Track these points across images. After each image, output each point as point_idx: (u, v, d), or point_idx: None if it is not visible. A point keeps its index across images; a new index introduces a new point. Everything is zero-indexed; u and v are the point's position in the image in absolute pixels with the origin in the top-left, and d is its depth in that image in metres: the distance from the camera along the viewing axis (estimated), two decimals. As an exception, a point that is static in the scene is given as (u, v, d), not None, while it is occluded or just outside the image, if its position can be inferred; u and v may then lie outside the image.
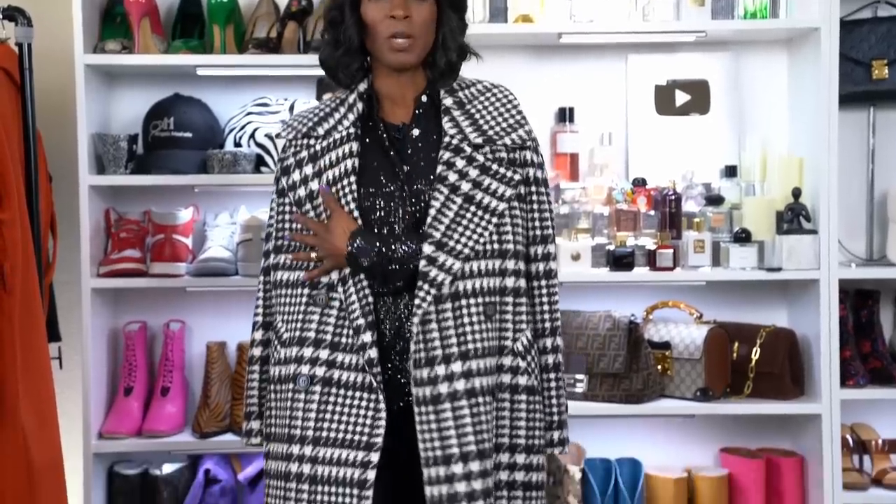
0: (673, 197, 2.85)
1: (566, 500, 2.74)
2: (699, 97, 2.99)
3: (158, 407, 2.78)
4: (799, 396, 2.82)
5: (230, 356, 2.90)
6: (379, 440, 1.88)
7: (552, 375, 2.06)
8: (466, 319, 1.94)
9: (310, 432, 1.92)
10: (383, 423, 1.89)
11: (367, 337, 1.90)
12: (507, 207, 1.97)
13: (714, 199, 2.88)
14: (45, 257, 2.52)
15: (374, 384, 1.90)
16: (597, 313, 2.83)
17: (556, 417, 2.07)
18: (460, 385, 1.91)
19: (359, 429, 1.90)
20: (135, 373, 2.81)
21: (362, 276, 1.93)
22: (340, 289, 1.93)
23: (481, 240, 1.94)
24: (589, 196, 2.90)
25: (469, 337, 1.94)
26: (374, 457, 1.88)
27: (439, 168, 1.95)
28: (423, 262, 1.90)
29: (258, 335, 2.08)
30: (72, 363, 2.69)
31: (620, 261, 2.80)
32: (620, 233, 2.85)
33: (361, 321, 1.91)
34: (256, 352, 2.08)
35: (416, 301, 1.90)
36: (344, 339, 1.93)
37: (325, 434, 1.91)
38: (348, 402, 1.91)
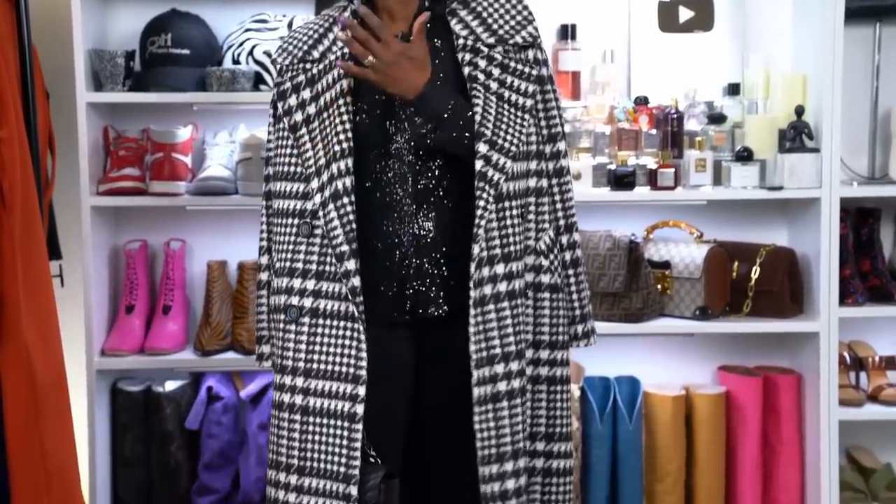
0: (675, 115, 2.83)
1: (565, 416, 2.77)
2: (703, 14, 2.95)
3: (160, 325, 2.80)
4: (798, 315, 2.83)
5: (231, 275, 2.91)
6: (363, 373, 1.89)
7: (571, 271, 2.08)
8: (509, 221, 1.95)
9: (301, 364, 1.93)
10: (365, 354, 1.90)
11: (350, 265, 1.90)
12: (532, 105, 1.96)
13: (716, 118, 2.85)
14: (43, 175, 2.50)
15: (357, 313, 1.90)
16: (597, 233, 2.83)
17: (578, 311, 2.10)
18: (503, 287, 1.93)
19: (345, 360, 1.91)
20: (136, 291, 2.82)
21: (345, 200, 1.91)
22: (321, 213, 1.92)
23: (521, 138, 1.94)
24: (590, 115, 2.88)
25: (511, 239, 1.95)
26: (361, 390, 1.89)
27: (466, 70, 1.93)
28: (480, 163, 1.89)
29: (264, 260, 2.08)
30: (73, 281, 2.70)
31: (621, 180, 2.78)
32: (622, 152, 2.83)
33: (345, 248, 1.89)
34: (263, 276, 2.09)
35: (479, 202, 1.88)
36: (328, 268, 1.92)
37: (315, 366, 1.92)
38: (334, 332, 1.92)
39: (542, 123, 2.01)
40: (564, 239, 2.06)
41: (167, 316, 2.81)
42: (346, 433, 1.89)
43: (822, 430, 2.73)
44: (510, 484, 1.92)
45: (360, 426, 1.88)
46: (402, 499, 2.07)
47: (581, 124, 2.84)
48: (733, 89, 2.89)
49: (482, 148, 1.89)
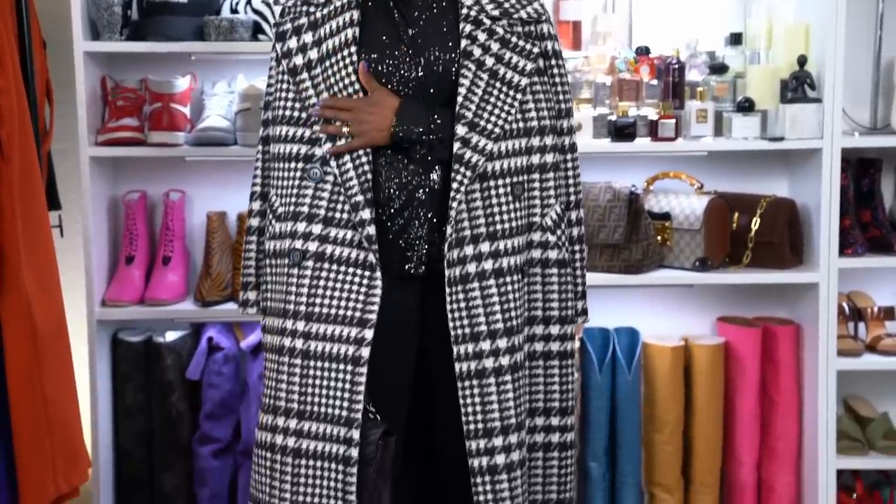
0: (676, 66, 2.81)
1: (564, 367, 2.77)
2: (705, -38, 2.92)
3: (160, 276, 2.80)
4: (797, 266, 2.83)
5: (230, 226, 2.91)
6: (373, 317, 1.89)
7: (577, 247, 2.10)
8: (495, 200, 1.94)
9: (302, 307, 1.92)
10: (378, 300, 1.90)
11: (365, 214, 1.90)
12: (529, 83, 1.95)
13: (718, 68, 2.83)
14: (41, 125, 2.49)
15: (374, 261, 1.90)
16: (597, 184, 2.82)
17: (580, 288, 2.12)
18: (488, 265, 1.93)
19: (352, 304, 1.91)
20: (136, 242, 2.82)
21: (360, 151, 1.91)
22: (334, 163, 1.91)
23: (509, 118, 1.94)
24: (591, 65, 2.86)
25: (497, 217, 1.95)
26: (368, 333, 1.89)
27: (463, 42, 1.92)
28: (457, 145, 1.89)
29: (256, 205, 2.07)
30: (72, 231, 2.70)
31: (622, 131, 2.77)
32: (622, 103, 2.82)
33: (360, 198, 1.89)
34: (254, 222, 2.08)
35: (454, 184, 1.89)
36: (338, 215, 1.92)
37: (317, 310, 1.92)
38: (341, 277, 1.91)
39: (559, 98, 2.01)
40: (573, 215, 2.07)
41: (167, 267, 2.82)
42: (349, 377, 1.89)
43: (821, 380, 2.74)
44: (500, 459, 1.93)
45: (363, 370, 1.88)
46: (406, 461, 2.09)
47: (581, 75, 2.82)
48: (735, 39, 2.86)
49: (460, 130, 1.90)
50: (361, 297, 1.90)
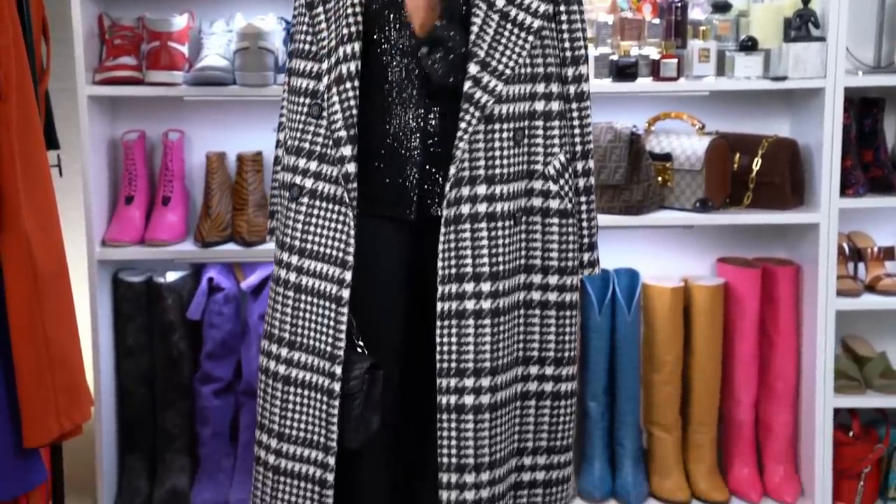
0: (679, 4, 2.78)
1: (564, 308, 2.78)
2: None
3: (160, 216, 2.80)
4: (798, 206, 2.83)
5: (230, 166, 2.90)
6: (350, 258, 1.90)
7: (584, 198, 2.07)
8: (497, 144, 1.93)
9: (297, 242, 1.94)
10: (353, 240, 1.90)
11: (346, 150, 1.88)
12: (541, 26, 1.92)
13: (721, 6, 2.80)
14: (38, 63, 2.47)
15: (348, 199, 1.90)
16: (598, 125, 2.81)
17: (586, 240, 2.09)
18: (482, 207, 1.92)
19: (335, 244, 1.92)
20: (135, 182, 2.82)
21: (348, 85, 1.89)
22: (326, 96, 1.90)
23: (519, 60, 1.91)
24: (592, 4, 2.83)
25: (497, 161, 1.94)
26: (348, 275, 1.89)
27: None
28: (468, 84, 1.87)
29: (281, 136, 2.08)
30: (71, 171, 2.69)
31: (623, 71, 2.75)
32: (624, 42, 2.79)
33: (342, 133, 1.88)
34: (279, 152, 2.09)
35: (462, 124, 1.87)
36: (329, 151, 1.92)
37: (309, 246, 1.93)
38: (328, 214, 1.93)
39: (565, 45, 1.97)
40: (580, 165, 2.04)
41: (167, 207, 2.81)
42: (333, 314, 1.92)
43: (819, 321, 2.75)
44: (468, 399, 1.92)
45: (345, 310, 1.90)
46: (404, 401, 2.09)
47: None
48: (739, -23, 2.84)
49: (472, 69, 1.87)
50: (343, 237, 1.91)
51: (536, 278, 2.01)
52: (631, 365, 2.85)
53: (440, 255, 1.91)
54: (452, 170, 1.89)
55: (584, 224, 2.09)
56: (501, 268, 1.95)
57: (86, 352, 2.59)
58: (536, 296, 2.01)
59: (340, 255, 1.91)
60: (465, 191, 1.91)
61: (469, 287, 1.92)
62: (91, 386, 2.63)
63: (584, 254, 2.09)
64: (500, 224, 1.94)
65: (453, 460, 1.94)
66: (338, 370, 1.92)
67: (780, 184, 2.78)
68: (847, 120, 2.78)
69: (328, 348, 1.92)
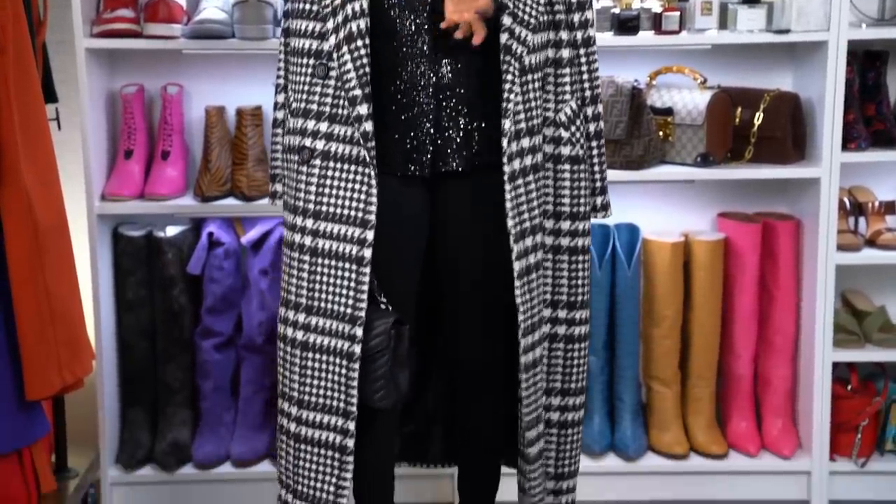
0: (681, -44, 2.76)
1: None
2: None
3: (159, 170, 2.79)
4: (799, 161, 2.82)
5: (229, 121, 2.88)
6: (372, 217, 1.90)
7: (594, 143, 2.09)
8: (531, 94, 1.95)
9: (311, 206, 1.94)
10: (374, 199, 1.90)
11: (362, 109, 1.88)
12: None
13: (724, -42, 2.78)
14: (35, 15, 2.45)
15: (368, 158, 1.89)
16: (599, 79, 2.79)
17: (598, 184, 2.12)
18: (528, 160, 1.95)
19: (354, 204, 1.91)
20: (134, 136, 2.80)
21: (359, 43, 1.88)
22: (335, 55, 1.89)
23: (540, 9, 1.93)
24: (594, -45, 2.81)
25: (533, 112, 1.96)
26: (370, 235, 1.90)
27: None
28: (504, 36, 1.88)
29: (280, 98, 2.07)
30: (70, 125, 2.68)
31: (625, 24, 2.73)
32: (626, -6, 2.77)
33: (357, 92, 1.88)
34: (279, 115, 2.08)
35: (507, 76, 1.88)
36: (341, 111, 1.91)
37: (324, 209, 1.92)
38: (345, 175, 1.92)
39: None
40: (589, 110, 2.06)
41: (166, 161, 2.80)
42: (353, 275, 1.91)
43: (819, 275, 2.76)
44: (539, 351, 2.02)
45: (367, 269, 1.91)
46: (416, 354, 2.13)
47: (585, -35, 2.77)
48: (742, -72, 2.80)
49: (506, 21, 1.88)
50: (363, 197, 1.91)
51: (549, 223, 2.04)
52: (630, 320, 2.85)
53: (509, 214, 1.93)
54: (507, 124, 1.91)
55: (596, 168, 2.10)
56: (538, 220, 2.00)
57: (86, 306, 2.60)
58: (549, 241, 2.05)
59: (361, 214, 1.90)
60: (525, 142, 1.94)
61: (529, 241, 1.98)
62: (92, 340, 2.64)
63: (596, 198, 2.11)
64: (540, 174, 1.98)
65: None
66: (359, 332, 1.92)
67: (782, 138, 2.77)
68: (850, 73, 2.76)
69: (348, 310, 1.92)
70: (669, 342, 2.87)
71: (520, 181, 1.94)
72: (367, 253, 1.90)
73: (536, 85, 1.96)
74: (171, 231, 2.80)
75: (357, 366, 1.92)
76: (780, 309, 2.85)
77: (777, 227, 2.84)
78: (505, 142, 1.91)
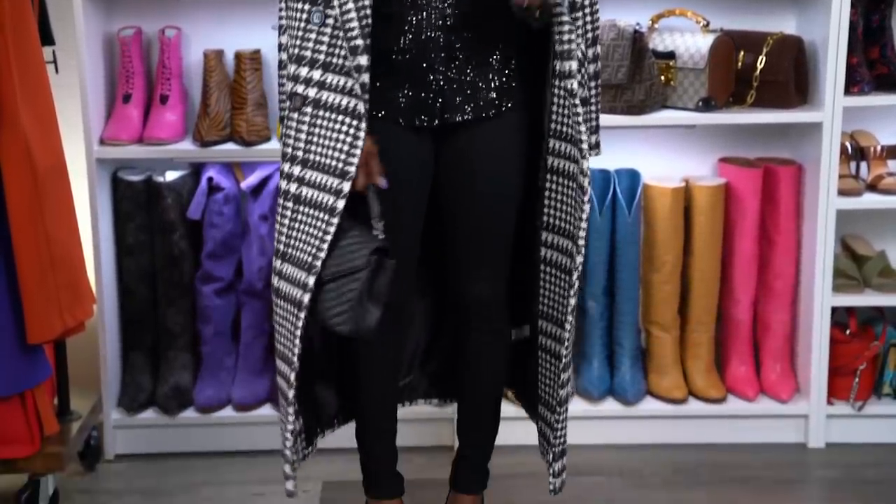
0: None
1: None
2: None
3: (158, 114, 2.77)
4: (802, 105, 2.80)
5: (228, 65, 2.86)
6: (352, 169, 1.88)
7: (594, 83, 2.10)
8: (567, 37, 1.95)
9: (299, 153, 1.94)
10: (359, 151, 1.88)
11: (362, 60, 1.86)
12: None
13: None
14: (30, -44, 2.43)
15: (361, 111, 1.88)
16: (601, 23, 2.76)
17: (593, 123, 2.14)
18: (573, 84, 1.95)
19: (336, 154, 1.90)
20: (132, 80, 2.78)
21: None
22: (337, 3, 1.87)
23: None
24: None
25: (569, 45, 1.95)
26: (346, 186, 1.88)
27: None
28: None
29: (283, 39, 2.05)
30: (68, 69, 2.66)
31: (627, -34, 2.71)
32: (628, -65, 2.74)
33: (359, 42, 1.86)
34: (283, 56, 2.07)
35: (560, 18, 1.90)
36: (336, 60, 1.89)
37: (311, 157, 1.92)
38: (333, 125, 1.91)
39: None
40: (591, 52, 2.06)
41: (165, 106, 2.79)
42: (322, 224, 1.90)
43: (820, 220, 2.75)
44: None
45: (336, 220, 1.88)
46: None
47: None
48: None
49: None
50: (346, 148, 1.89)
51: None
52: (631, 265, 2.85)
53: (569, 122, 1.95)
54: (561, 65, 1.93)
55: (593, 108, 2.13)
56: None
57: (86, 251, 2.60)
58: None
59: (341, 165, 1.89)
60: (574, 65, 1.93)
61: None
62: (92, 284, 2.65)
63: (592, 136, 2.13)
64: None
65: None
66: (310, 281, 1.89)
67: (785, 82, 2.75)
68: (854, 16, 2.73)
69: (308, 258, 1.91)
70: (669, 287, 2.87)
71: (577, 100, 1.95)
72: (340, 204, 1.88)
73: (572, 27, 1.95)
74: (171, 176, 2.80)
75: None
76: (780, 254, 2.85)
77: (778, 172, 2.83)
78: (556, 65, 1.93)
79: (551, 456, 2.14)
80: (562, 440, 2.13)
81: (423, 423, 2.80)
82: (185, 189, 2.80)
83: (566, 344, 2.04)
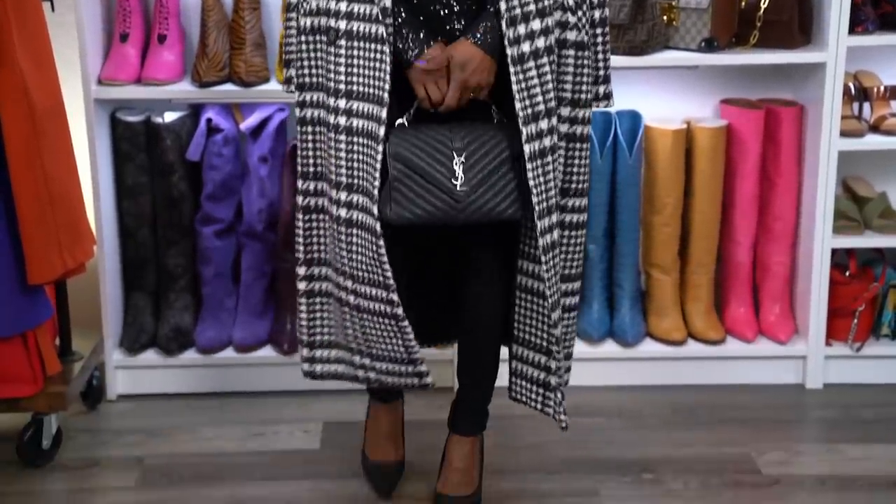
0: None
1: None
2: None
3: (156, 55, 2.75)
4: (805, 45, 2.78)
5: (226, 4, 2.83)
6: (385, 95, 1.93)
7: (599, 30, 2.08)
8: None
9: (342, 86, 1.98)
10: (388, 76, 1.93)
11: None
12: None
13: None
14: None
15: (385, 35, 1.92)
16: (603, -40, 2.73)
17: (601, 72, 2.12)
18: (541, 43, 1.94)
19: (372, 82, 1.95)
20: (129, 19, 2.76)
21: None
22: None
23: None
24: None
25: None
26: (383, 112, 1.94)
27: None
28: None
29: None
30: (64, 6, 2.63)
31: None
32: None
33: None
34: None
35: None
36: None
37: (354, 88, 1.97)
38: (367, 54, 1.95)
39: None
40: None
41: (163, 45, 2.76)
42: (372, 152, 1.97)
43: (821, 161, 2.74)
44: (556, 234, 2.04)
45: (380, 147, 1.96)
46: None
47: None
48: None
49: None
50: (380, 74, 1.95)
51: None
52: (631, 207, 2.85)
53: (517, 97, 1.95)
54: (503, 6, 1.92)
55: (600, 56, 2.10)
56: (554, 103, 2.00)
57: (86, 192, 2.60)
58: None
59: (377, 91, 1.95)
60: (521, 29, 1.92)
61: (544, 124, 1.98)
62: (93, 225, 2.65)
63: (598, 86, 2.11)
64: (553, 58, 1.97)
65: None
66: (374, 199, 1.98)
67: (788, 22, 2.72)
68: (858, -46, 2.70)
69: (368, 186, 1.99)
70: (670, 229, 2.87)
71: (531, 63, 1.94)
72: (381, 131, 1.95)
73: None
74: (170, 117, 2.78)
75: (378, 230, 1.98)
76: (781, 196, 2.85)
77: (780, 113, 2.82)
78: (504, 25, 1.92)
79: (554, 398, 2.16)
80: (564, 379, 2.18)
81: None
82: (183, 130, 2.79)
83: (548, 283, 2.04)
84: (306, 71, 2.06)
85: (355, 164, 1.99)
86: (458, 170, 1.97)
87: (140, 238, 2.82)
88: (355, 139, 1.98)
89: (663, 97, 2.95)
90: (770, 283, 2.90)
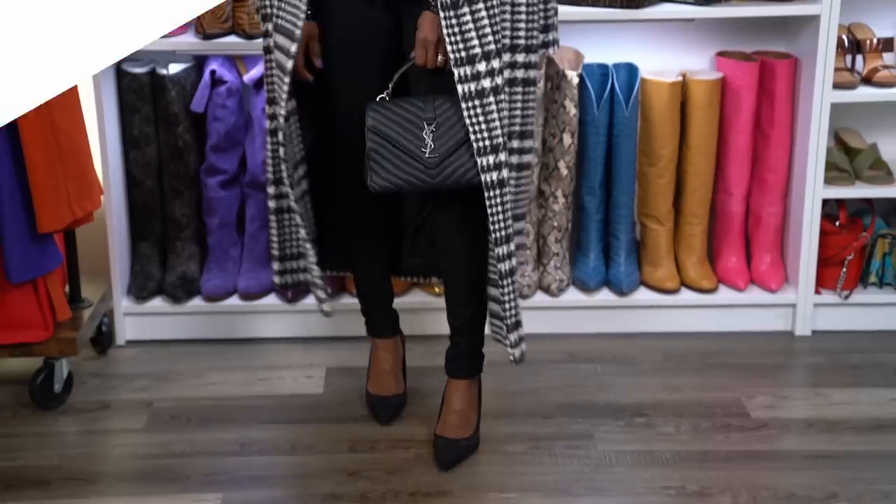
0: None
1: (563, 104, 2.81)
2: None
3: (160, 6, 2.78)
4: (800, -3, 2.81)
5: (228, -43, 2.86)
6: (297, 31, 2.16)
7: None
8: None
9: (276, 20, 2.21)
10: (303, 14, 2.14)
11: None
12: None
13: None
14: None
15: None
16: (601, -87, 2.75)
17: (551, 21, 2.21)
18: None
19: (291, 19, 2.17)
20: (133, -29, 2.79)
21: None
22: None
23: None
24: None
25: None
26: (294, 47, 2.17)
27: None
28: None
29: None
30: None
31: None
32: None
33: None
34: None
35: None
36: None
37: (279, 22, 2.19)
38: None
39: None
40: None
41: (166, -2, 2.79)
42: (284, 84, 2.22)
43: (814, 113, 2.78)
44: (505, 173, 2.09)
45: (288, 79, 2.20)
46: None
47: None
48: None
49: None
50: (296, 11, 2.15)
51: (506, 57, 2.11)
52: (627, 159, 2.90)
53: (447, 40, 2.02)
54: None
55: (550, 6, 2.21)
56: (500, 45, 2.05)
57: (93, 143, 2.64)
58: (506, 74, 2.11)
59: (291, 27, 2.15)
60: None
61: (482, 66, 2.02)
62: (100, 175, 2.70)
63: (547, 34, 2.22)
64: (489, 3, 2.02)
65: None
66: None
67: (783, -26, 2.75)
68: None
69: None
70: (665, 181, 2.92)
71: (465, 9, 2.00)
72: (289, 64, 2.16)
73: None
74: (174, 69, 2.82)
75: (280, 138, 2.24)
76: (774, 147, 2.89)
77: (775, 65, 2.85)
78: None
79: (505, 329, 2.23)
80: (513, 312, 2.21)
81: (421, 313, 2.88)
82: (188, 82, 2.83)
83: (492, 219, 2.10)
84: (268, 2, 2.23)
85: (275, 87, 2.25)
86: (428, 139, 2.07)
87: (146, 188, 2.87)
88: (275, 71, 2.24)
89: (660, 50, 2.99)
90: (762, 234, 2.96)
